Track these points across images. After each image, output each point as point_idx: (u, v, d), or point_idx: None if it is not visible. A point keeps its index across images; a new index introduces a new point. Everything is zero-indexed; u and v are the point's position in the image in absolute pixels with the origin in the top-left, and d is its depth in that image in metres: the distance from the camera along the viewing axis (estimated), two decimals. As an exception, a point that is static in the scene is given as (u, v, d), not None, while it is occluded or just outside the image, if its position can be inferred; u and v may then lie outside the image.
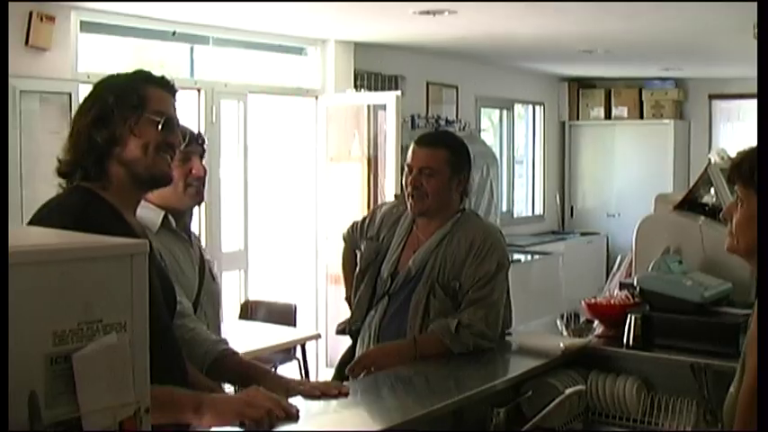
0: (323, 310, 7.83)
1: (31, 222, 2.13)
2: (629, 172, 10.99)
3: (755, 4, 5.36)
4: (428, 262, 3.38)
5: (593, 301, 3.64)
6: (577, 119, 11.34)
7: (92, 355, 1.38)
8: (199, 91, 6.84)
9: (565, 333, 3.53)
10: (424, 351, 3.21)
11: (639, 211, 10.57)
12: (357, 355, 3.47)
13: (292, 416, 2.38)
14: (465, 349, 3.21)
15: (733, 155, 4.98)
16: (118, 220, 2.21)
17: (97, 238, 1.51)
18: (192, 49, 6.98)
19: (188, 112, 6.21)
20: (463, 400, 2.80)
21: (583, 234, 10.96)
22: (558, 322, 3.60)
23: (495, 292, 3.33)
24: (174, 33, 6.65)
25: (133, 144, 2.28)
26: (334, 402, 2.62)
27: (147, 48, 6.85)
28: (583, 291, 9.54)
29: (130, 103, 2.28)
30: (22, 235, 1.64)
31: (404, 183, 3.45)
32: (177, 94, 2.41)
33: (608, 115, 11.18)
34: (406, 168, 3.46)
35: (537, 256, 9.52)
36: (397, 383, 2.99)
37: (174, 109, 2.38)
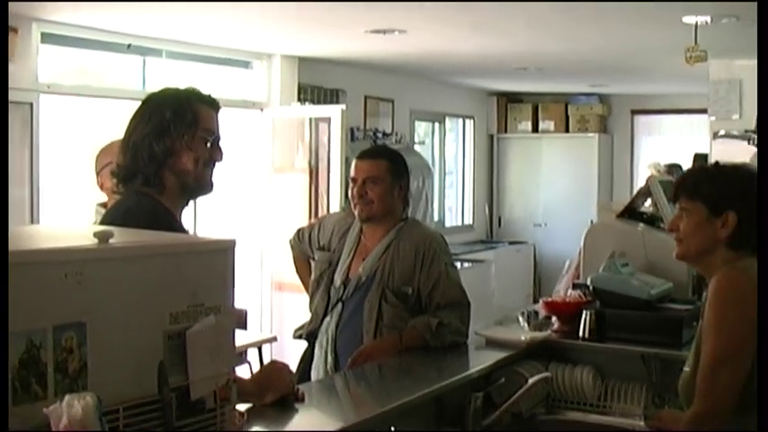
0: (268, 315, 8.09)
1: (104, 223, 2.39)
2: (556, 183, 11.46)
3: (682, 27, 5.84)
4: (377, 269, 3.71)
5: (550, 299, 4.02)
6: (505, 132, 11.77)
7: (199, 333, 1.68)
8: (151, 102, 7.05)
9: (526, 328, 3.88)
10: (408, 345, 3.54)
11: (566, 221, 11.16)
12: (315, 357, 3.79)
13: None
14: (442, 345, 3.56)
15: (665, 167, 5.41)
16: (175, 222, 2.51)
17: (194, 236, 1.80)
18: (144, 61, 7.20)
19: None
20: (445, 387, 3.14)
21: (511, 243, 11.36)
22: (520, 318, 3.96)
23: (465, 294, 3.69)
24: (128, 46, 6.86)
25: (186, 157, 2.57)
26: (336, 388, 2.93)
27: (102, 59, 7.04)
28: (513, 297, 10.02)
29: (186, 120, 2.57)
30: (141, 234, 1.92)
31: (350, 194, 3.80)
32: (220, 111, 2.71)
33: (535, 129, 11.64)
34: (350, 182, 3.80)
35: (468, 264, 9.87)
36: (387, 373, 3.33)
37: (218, 126, 2.67)
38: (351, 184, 3.80)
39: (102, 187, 3.73)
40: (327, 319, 3.79)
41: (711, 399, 2.50)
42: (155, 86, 6.99)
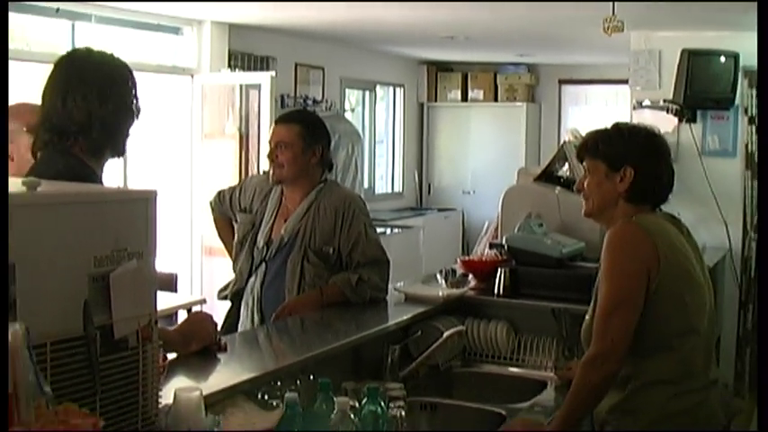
0: (198, 279, 8.17)
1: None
2: (484, 152, 11.61)
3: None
4: (299, 230, 3.84)
5: (467, 258, 4.19)
6: (435, 101, 11.88)
7: (122, 276, 1.79)
8: (81, 67, 7.07)
9: (444, 285, 4.05)
10: (329, 300, 3.69)
11: (494, 189, 11.27)
12: (242, 316, 3.92)
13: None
14: (362, 300, 3.72)
15: (584, 134, 5.63)
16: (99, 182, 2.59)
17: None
18: (73, 25, 7.19)
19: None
20: (362, 339, 3.30)
21: (440, 210, 11.53)
22: (438, 276, 4.12)
23: (384, 252, 3.84)
24: (57, 10, 6.85)
25: (127, 125, 2.66)
26: (258, 340, 3.06)
27: (30, 23, 7.02)
28: (441, 263, 10.11)
29: (133, 89, 2.65)
30: (67, 185, 2.02)
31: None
32: None
33: (464, 98, 11.76)
34: (268, 145, 3.92)
35: (397, 230, 10.02)
36: (309, 327, 3.48)
37: None
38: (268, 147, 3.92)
39: None
40: (252, 279, 3.91)
41: (607, 340, 2.69)
42: (84, 51, 7.11)
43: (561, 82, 11.85)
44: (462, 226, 11.57)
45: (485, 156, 11.59)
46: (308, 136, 3.86)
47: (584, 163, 2.98)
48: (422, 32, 8.64)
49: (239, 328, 3.89)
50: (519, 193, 4.58)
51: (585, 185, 2.95)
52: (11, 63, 6.63)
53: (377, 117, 11.32)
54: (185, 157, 8.19)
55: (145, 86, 2.79)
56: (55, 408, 1.45)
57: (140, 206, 1.85)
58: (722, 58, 7.05)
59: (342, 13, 7.23)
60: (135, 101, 2.67)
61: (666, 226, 2.87)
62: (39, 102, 2.72)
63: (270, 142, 3.88)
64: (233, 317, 3.96)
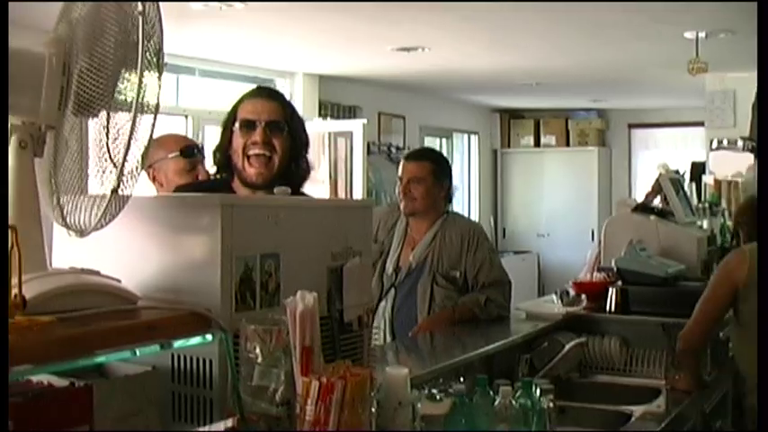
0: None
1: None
2: (557, 195, 11.95)
3: (681, 42, 6.37)
4: (427, 256, 4.22)
5: (579, 281, 4.55)
6: (509, 147, 12.29)
7: (351, 269, 2.19)
8: (186, 117, 7.62)
9: (559, 305, 4.40)
10: (460, 318, 4.06)
11: (568, 231, 11.57)
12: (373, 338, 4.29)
13: None
14: (489, 318, 4.08)
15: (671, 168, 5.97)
16: None
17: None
18: (177, 78, 7.72)
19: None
20: (497, 348, 3.65)
21: (516, 253, 11.85)
22: (554, 297, 4.48)
23: (506, 274, 4.21)
24: (165, 64, 7.34)
25: (233, 154, 2.80)
26: (402, 351, 3.45)
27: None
28: (519, 301, 10.52)
29: (229, 122, 2.81)
30: (303, 198, 2.44)
31: (397, 191, 4.31)
32: (271, 95, 2.86)
33: (537, 143, 12.17)
34: (398, 180, 4.30)
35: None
36: (444, 340, 3.85)
37: (265, 110, 2.77)
38: (398, 182, 4.32)
39: (153, 180, 3.78)
40: (383, 303, 4.28)
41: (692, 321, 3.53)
42: (188, 102, 7.63)
43: (631, 126, 12.17)
44: (538, 268, 11.87)
45: (558, 199, 11.92)
46: (439, 172, 4.27)
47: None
48: (504, 80, 9.04)
49: (372, 349, 4.26)
50: (620, 223, 4.94)
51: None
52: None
53: (453, 164, 11.69)
54: (281, 202, 8.62)
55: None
56: (330, 365, 1.83)
57: (362, 213, 2.26)
58: (797, 96, 7.36)
59: (431, 61, 7.66)
60: (238, 125, 2.79)
61: None
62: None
63: (401, 178, 4.27)
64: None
